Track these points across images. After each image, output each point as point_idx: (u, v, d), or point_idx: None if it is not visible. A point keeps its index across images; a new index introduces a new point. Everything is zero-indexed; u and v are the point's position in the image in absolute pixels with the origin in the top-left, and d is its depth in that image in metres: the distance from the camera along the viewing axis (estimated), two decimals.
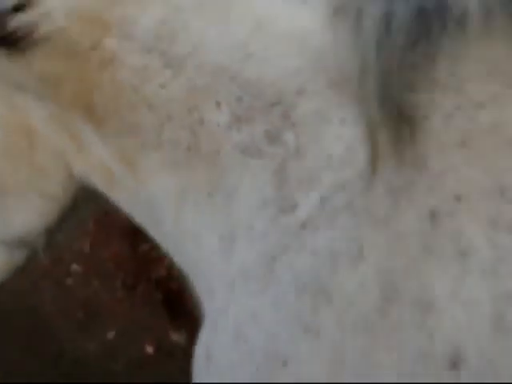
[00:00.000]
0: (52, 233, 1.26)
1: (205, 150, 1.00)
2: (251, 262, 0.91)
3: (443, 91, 0.84)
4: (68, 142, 1.13)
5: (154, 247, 1.28)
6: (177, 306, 2.92)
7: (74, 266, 3.15)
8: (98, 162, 1.13)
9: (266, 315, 0.87)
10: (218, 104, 0.98)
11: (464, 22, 0.81)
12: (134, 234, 2.69)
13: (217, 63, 0.97)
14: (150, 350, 2.93)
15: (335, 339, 0.81)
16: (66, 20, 1.02)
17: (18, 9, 1.01)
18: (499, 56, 0.86)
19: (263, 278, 0.89)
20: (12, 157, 1.15)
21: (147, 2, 1.02)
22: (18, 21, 1.00)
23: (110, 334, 2.94)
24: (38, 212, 1.20)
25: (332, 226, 0.84)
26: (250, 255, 0.92)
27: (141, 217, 1.19)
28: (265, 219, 0.92)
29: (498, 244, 0.78)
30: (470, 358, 0.76)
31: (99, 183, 1.16)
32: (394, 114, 0.83)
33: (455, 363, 0.76)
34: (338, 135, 0.88)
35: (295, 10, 0.94)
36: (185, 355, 2.03)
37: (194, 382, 1.03)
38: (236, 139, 0.97)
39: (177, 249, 1.14)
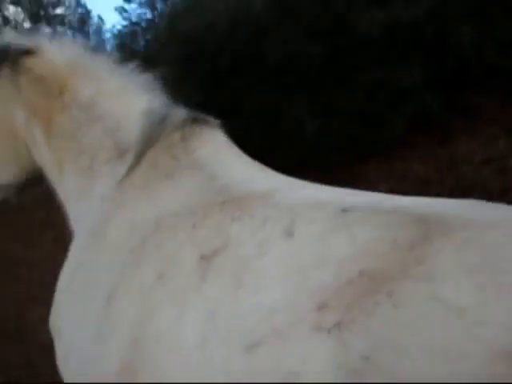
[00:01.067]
0: (20, 188, 2.09)
1: (93, 173, 1.84)
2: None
3: None
4: (31, 140, 1.93)
5: None
6: None
7: None
8: (42, 159, 1.93)
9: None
10: (103, 148, 1.99)
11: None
12: None
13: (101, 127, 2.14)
14: None
15: None
16: (50, 71, 1.87)
17: (28, 52, 1.89)
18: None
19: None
20: (3, 141, 1.94)
21: (87, 83, 2.03)
22: (25, 65, 1.87)
23: None
24: (13, 173, 2.04)
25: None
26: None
27: (60, 196, 2.01)
28: (98, 204, 1.72)
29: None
30: None
31: (44, 169, 1.98)
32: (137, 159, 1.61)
33: None
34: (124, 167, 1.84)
35: None
36: None
37: None
38: (104, 170, 1.93)
39: (73, 219, 1.92)
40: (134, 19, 29.12)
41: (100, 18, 42.54)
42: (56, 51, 2.00)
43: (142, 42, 31.56)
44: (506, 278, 0.83)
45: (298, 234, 1.04)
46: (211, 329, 0.99)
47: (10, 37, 2.04)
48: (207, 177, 1.57)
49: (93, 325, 1.41)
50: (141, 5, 29.78)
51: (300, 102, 10.64)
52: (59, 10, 34.24)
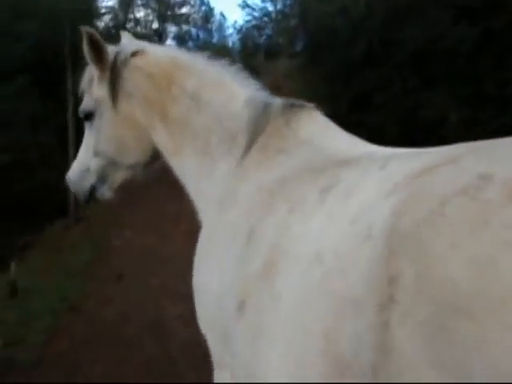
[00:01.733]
0: (146, 165, 2.43)
1: (209, 155, 2.13)
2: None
3: None
4: (150, 126, 2.28)
5: None
6: None
7: None
8: (161, 141, 2.27)
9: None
10: (215, 133, 2.18)
11: None
12: None
13: (214, 115, 2.20)
14: None
15: None
16: (157, 71, 2.29)
17: (135, 54, 2.27)
18: None
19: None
20: (128, 129, 2.34)
21: (191, 77, 2.26)
22: (134, 64, 2.27)
23: None
24: (138, 154, 2.39)
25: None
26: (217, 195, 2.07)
27: (180, 176, 2.30)
28: (221, 182, 2.08)
29: None
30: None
31: (161, 150, 2.29)
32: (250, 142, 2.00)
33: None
34: (241, 148, 2.06)
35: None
36: None
37: None
38: (220, 151, 2.15)
39: (196, 196, 2.23)
40: (256, 14, 29.39)
41: (222, 14, 43.66)
42: (158, 51, 2.39)
43: (264, 36, 31.83)
44: None
45: (389, 167, 1.43)
46: (329, 224, 1.45)
47: (124, 40, 2.53)
48: (316, 148, 1.89)
49: (235, 260, 1.76)
50: (263, 0, 30.08)
51: (443, 90, 9.77)
52: (184, 10, 35.50)
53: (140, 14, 31.07)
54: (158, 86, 2.26)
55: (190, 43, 35.89)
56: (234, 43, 40.42)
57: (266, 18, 29.06)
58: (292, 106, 2.05)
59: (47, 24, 10.40)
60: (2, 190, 10.24)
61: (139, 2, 30.09)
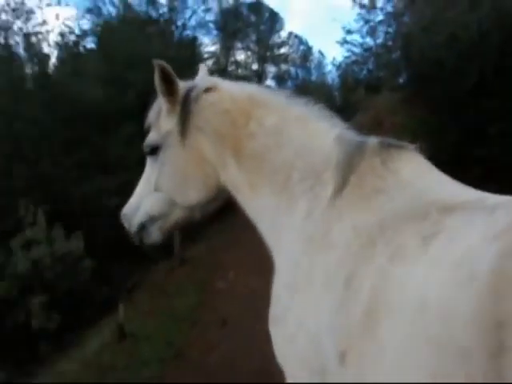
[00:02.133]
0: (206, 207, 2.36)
1: (289, 191, 2.05)
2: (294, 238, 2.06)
3: None
4: (219, 163, 2.21)
5: None
6: None
7: None
8: (231, 178, 2.21)
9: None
10: (296, 169, 2.10)
11: None
12: None
13: (296, 152, 2.15)
14: None
15: None
16: (231, 106, 2.21)
17: (208, 90, 2.27)
18: None
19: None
20: (194, 165, 2.27)
21: (270, 113, 2.21)
22: (207, 100, 2.24)
23: None
24: (201, 192, 2.29)
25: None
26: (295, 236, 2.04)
27: (253, 216, 2.21)
28: (300, 219, 2.02)
29: None
30: None
31: (230, 189, 2.23)
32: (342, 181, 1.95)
33: None
34: (328, 188, 1.99)
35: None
36: None
37: None
38: (301, 187, 2.05)
39: (270, 235, 2.14)
40: (356, 49, 29.24)
41: (321, 52, 43.93)
42: (233, 88, 2.34)
43: (364, 71, 31.53)
44: None
45: (495, 215, 1.39)
46: (432, 271, 1.39)
47: (200, 74, 2.53)
48: (418, 191, 1.78)
49: (332, 304, 1.70)
50: (362, 36, 29.85)
51: None
52: (283, 50, 36.22)
53: (241, 56, 32.06)
54: (234, 122, 2.20)
55: (289, 82, 36.49)
56: (333, 80, 40.54)
57: (366, 53, 28.80)
58: (389, 145, 1.96)
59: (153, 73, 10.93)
60: (112, 233, 10.66)
61: (239, 46, 31.15)
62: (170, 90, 2.25)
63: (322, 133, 2.13)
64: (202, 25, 20.56)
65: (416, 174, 1.90)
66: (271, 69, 35.07)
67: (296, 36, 36.34)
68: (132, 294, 9.38)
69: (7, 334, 7.99)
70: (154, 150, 2.36)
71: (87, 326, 8.60)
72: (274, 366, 6.48)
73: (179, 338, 6.46)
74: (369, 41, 27.98)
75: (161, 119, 2.35)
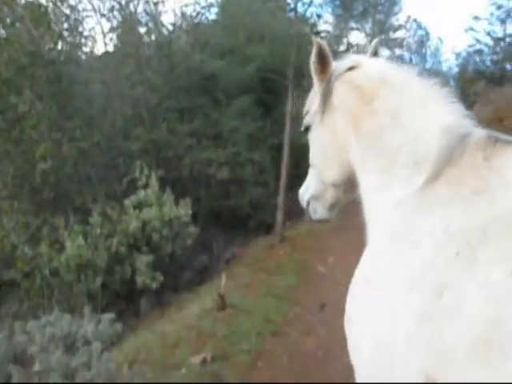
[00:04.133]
0: (347, 185, 2.33)
1: (391, 174, 1.98)
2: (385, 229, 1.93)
3: None
4: (347, 141, 2.20)
5: None
6: None
7: None
8: (352, 156, 2.18)
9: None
10: (402, 153, 2.00)
11: None
12: None
13: (408, 138, 2.01)
14: None
15: None
16: (365, 81, 2.20)
17: (351, 68, 2.25)
18: None
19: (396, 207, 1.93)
20: (329, 143, 2.30)
21: (393, 93, 2.11)
22: (346, 77, 2.25)
23: None
24: (336, 171, 2.32)
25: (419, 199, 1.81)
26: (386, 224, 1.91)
27: (360, 192, 2.19)
28: (393, 207, 1.91)
29: None
30: None
31: (353, 165, 2.19)
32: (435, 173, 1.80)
33: None
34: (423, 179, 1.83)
35: None
36: None
37: None
38: (401, 174, 1.96)
39: (369, 214, 2.10)
40: (481, 38, 27.37)
41: (440, 39, 41.69)
42: (373, 65, 2.28)
43: (488, 62, 29.52)
44: None
45: None
46: None
47: (347, 58, 2.40)
48: None
49: (417, 316, 1.48)
50: (491, 23, 27.82)
51: None
52: (399, 34, 34.74)
53: (355, 37, 31.16)
54: (361, 98, 2.17)
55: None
56: (450, 69, 38.49)
57: (493, 42, 26.85)
58: (496, 140, 1.74)
59: (275, 48, 10.90)
60: (217, 203, 10.90)
61: (354, 26, 30.28)
62: (323, 69, 2.27)
63: (435, 120, 1.97)
64: (325, 2, 20.22)
65: None
66: (385, 52, 33.87)
67: (415, 20, 34.76)
68: (231, 266, 9.56)
69: (113, 288, 8.45)
70: (307, 129, 2.47)
71: (186, 291, 8.89)
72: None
73: (278, 316, 6.46)
74: (498, 30, 26.10)
75: (314, 100, 2.41)
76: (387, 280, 1.68)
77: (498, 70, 25.99)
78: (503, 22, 26.51)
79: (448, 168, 1.76)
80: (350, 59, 2.34)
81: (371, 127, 2.13)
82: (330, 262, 8.99)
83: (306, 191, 2.60)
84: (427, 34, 37.02)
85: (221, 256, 10.44)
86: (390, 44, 33.19)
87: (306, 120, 2.48)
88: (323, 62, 2.27)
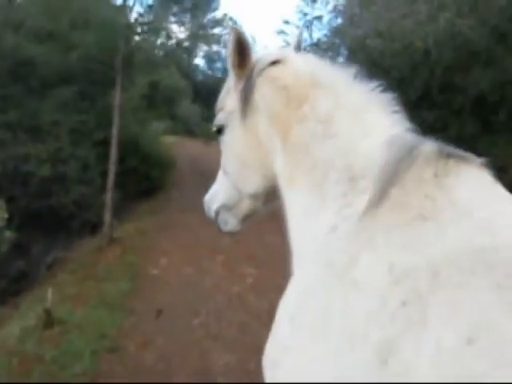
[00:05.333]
0: (268, 196, 2.13)
1: (323, 192, 1.74)
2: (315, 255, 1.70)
3: None
4: (272, 148, 1.96)
5: None
6: None
7: None
8: (278, 168, 1.95)
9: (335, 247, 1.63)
10: (334, 168, 1.74)
11: None
12: None
13: (342, 149, 1.77)
14: None
15: None
16: (292, 81, 1.91)
17: (275, 62, 1.98)
18: None
19: (330, 233, 1.68)
20: (251, 148, 2.05)
21: (325, 96, 1.88)
22: (270, 73, 1.97)
23: None
24: (258, 181, 2.08)
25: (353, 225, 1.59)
26: (316, 249, 1.67)
27: (285, 209, 1.95)
28: (324, 233, 1.66)
29: None
30: None
31: (278, 178, 1.97)
32: (379, 194, 1.56)
33: None
34: (363, 200, 1.59)
35: None
36: None
37: None
38: (338, 190, 1.71)
39: (294, 236, 1.86)
40: (291, 41, 29.21)
41: (252, 38, 43.48)
42: (301, 62, 2.02)
43: None
44: None
45: None
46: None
47: (269, 50, 2.20)
48: (475, 221, 1.35)
49: (345, 369, 1.33)
50: (299, 28, 30.01)
51: (505, 140, 9.29)
52: (216, 30, 35.40)
53: (172, 30, 30.84)
54: (288, 101, 1.92)
55: (219, 64, 35.90)
56: None
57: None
58: (449, 155, 1.53)
59: (101, 36, 10.17)
60: (35, 203, 9.87)
61: (172, 20, 29.95)
62: (242, 62, 2.00)
63: (375, 130, 1.78)
64: None
65: (475, 196, 1.46)
66: (203, 48, 34.32)
67: (231, 18, 35.69)
68: (54, 273, 8.74)
69: None
70: (220, 131, 2.21)
71: (1, 304, 7.90)
72: (213, 367, 6.30)
73: (112, 329, 6.02)
74: (305, 35, 28.16)
75: (228, 97, 2.15)
76: (325, 327, 1.46)
77: None
78: (308, 28, 28.72)
79: (393, 187, 1.54)
80: (274, 52, 2.10)
81: (300, 137, 1.89)
82: (162, 264, 8.73)
83: (213, 199, 2.35)
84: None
85: (41, 261, 9.51)
86: (208, 39, 33.59)
87: (219, 119, 2.20)
88: (242, 53, 1.98)
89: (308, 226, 1.79)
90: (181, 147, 24.68)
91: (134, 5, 11.27)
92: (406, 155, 1.57)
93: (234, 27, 1.94)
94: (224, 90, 2.22)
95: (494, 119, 9.36)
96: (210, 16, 32.89)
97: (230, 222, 2.35)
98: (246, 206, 2.25)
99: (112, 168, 9.39)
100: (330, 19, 17.37)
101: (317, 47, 20.47)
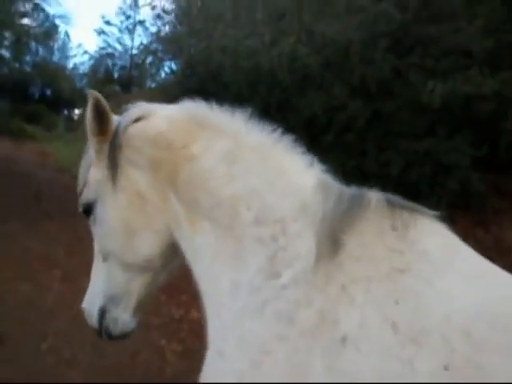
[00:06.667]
0: (166, 256, 1.93)
1: (236, 232, 1.63)
2: (251, 303, 1.48)
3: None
4: (160, 200, 1.81)
5: None
6: None
7: None
8: (173, 215, 1.79)
9: (259, 332, 1.44)
10: (248, 208, 1.63)
11: None
12: None
13: (253, 187, 1.70)
14: None
15: None
16: (166, 127, 1.81)
17: (137, 120, 1.85)
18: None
19: (257, 312, 1.45)
20: (133, 209, 1.84)
21: (220, 136, 1.76)
22: (136, 127, 1.87)
23: None
24: (154, 243, 1.86)
25: (297, 289, 1.46)
26: (250, 300, 1.48)
27: (189, 256, 1.81)
28: (260, 279, 1.50)
29: None
30: None
31: (173, 228, 1.83)
32: (329, 241, 1.45)
33: None
34: (304, 245, 1.50)
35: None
36: None
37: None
38: (254, 232, 1.59)
39: (205, 281, 1.72)
40: (111, 43, 28.34)
41: (67, 34, 40.93)
42: (173, 109, 1.96)
43: (118, 67, 30.67)
44: None
45: None
46: None
47: (128, 110, 2.04)
48: (463, 272, 1.40)
49: None
50: (120, 30, 29.19)
51: (332, 161, 10.18)
52: (26, 21, 32.59)
53: None
54: (170, 144, 1.82)
55: (28, 57, 33.06)
56: (76, 65, 38.40)
57: (120, 48, 28.17)
58: (401, 206, 1.56)
59: None
60: None
61: None
62: (103, 128, 1.91)
63: (295, 172, 1.72)
64: None
65: (444, 248, 1.49)
66: (10, 37, 31.33)
67: (42, 10, 33.19)
68: None
69: None
70: (89, 210, 2.00)
71: None
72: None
73: None
74: (126, 37, 27.69)
75: (90, 170, 1.99)
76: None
77: (127, 76, 27.42)
78: (130, 31, 28.34)
79: (344, 235, 1.49)
80: (140, 108, 1.98)
81: (193, 175, 1.77)
82: None
83: (93, 300, 2.01)
84: (55, 26, 35.99)
85: None
86: (16, 29, 30.76)
87: (86, 196, 1.99)
88: (101, 119, 1.89)
89: (224, 272, 1.67)
90: None
91: None
92: (351, 204, 1.56)
93: (91, 92, 1.86)
94: (83, 167, 2.07)
95: (323, 139, 10.23)
96: (19, 5, 30.26)
97: (121, 320, 2.02)
98: (140, 284, 1.98)
99: None
100: (157, 25, 17.18)
101: (140, 52, 20.18)
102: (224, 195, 1.71)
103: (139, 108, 1.98)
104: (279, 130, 1.82)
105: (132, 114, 1.93)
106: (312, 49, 9.50)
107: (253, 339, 1.45)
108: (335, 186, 1.68)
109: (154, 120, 1.88)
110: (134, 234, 1.88)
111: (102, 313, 2.00)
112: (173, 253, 1.93)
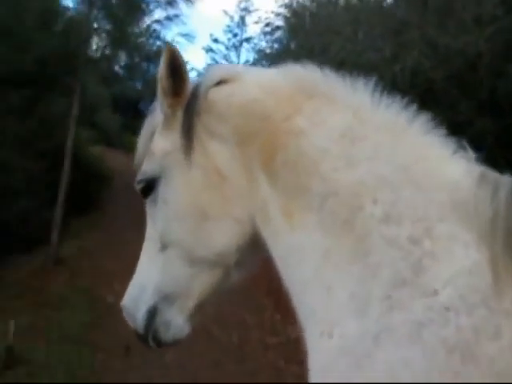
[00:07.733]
0: (243, 255, 1.55)
1: (357, 230, 1.28)
2: (397, 324, 1.15)
3: None
4: (245, 182, 1.49)
5: None
6: None
7: None
8: (261, 203, 1.46)
9: (418, 363, 1.09)
10: (375, 201, 1.28)
11: None
12: None
13: (381, 174, 1.29)
14: None
15: None
16: (262, 94, 1.49)
17: (220, 83, 1.53)
18: None
19: (410, 336, 1.12)
20: (210, 191, 1.52)
21: (336, 109, 1.41)
22: (221, 91, 1.52)
23: None
24: (231, 235, 1.52)
25: (471, 315, 1.10)
26: (393, 319, 1.16)
27: (279, 256, 1.47)
28: (403, 293, 1.18)
29: None
30: None
31: (258, 219, 1.48)
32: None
33: None
34: (465, 254, 1.17)
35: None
36: None
37: None
38: (384, 232, 1.25)
39: (305, 289, 1.38)
40: (219, 60, 29.24)
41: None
42: (267, 73, 1.66)
43: None
44: None
45: None
46: None
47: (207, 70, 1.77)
48: None
49: None
50: (227, 47, 30.09)
51: None
52: (139, 40, 34.47)
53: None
54: (267, 114, 1.47)
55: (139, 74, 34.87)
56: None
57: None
58: None
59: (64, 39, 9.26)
60: None
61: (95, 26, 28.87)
62: (177, 89, 1.56)
63: (437, 158, 1.33)
64: None
65: None
66: (123, 57, 33.17)
67: (155, 30, 34.79)
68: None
69: None
70: (151, 187, 1.62)
71: None
72: None
73: (82, 367, 5.44)
74: (233, 55, 28.53)
75: (155, 139, 1.64)
76: None
77: None
78: (237, 48, 29.14)
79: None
80: (222, 70, 1.66)
81: (297, 154, 1.40)
82: (116, 289, 8.09)
83: (140, 298, 1.64)
84: (165, 44, 37.67)
85: None
86: (130, 49, 32.49)
87: (147, 170, 1.63)
88: (178, 77, 1.55)
89: (338, 279, 1.31)
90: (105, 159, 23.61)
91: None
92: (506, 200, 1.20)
93: (168, 45, 1.55)
94: (144, 135, 1.72)
95: None
96: (134, 26, 32.16)
97: (174, 323, 1.62)
98: (205, 283, 1.60)
99: (64, 181, 8.59)
100: (265, 41, 17.23)
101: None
102: (342, 182, 1.34)
103: (222, 69, 1.66)
104: (413, 107, 1.39)
105: (214, 75, 1.58)
106: (436, 62, 9.10)
107: (408, 372, 1.11)
108: (496, 177, 1.26)
109: (246, 84, 1.55)
110: (207, 222, 1.53)
111: (152, 314, 1.61)
112: (252, 249, 1.56)
